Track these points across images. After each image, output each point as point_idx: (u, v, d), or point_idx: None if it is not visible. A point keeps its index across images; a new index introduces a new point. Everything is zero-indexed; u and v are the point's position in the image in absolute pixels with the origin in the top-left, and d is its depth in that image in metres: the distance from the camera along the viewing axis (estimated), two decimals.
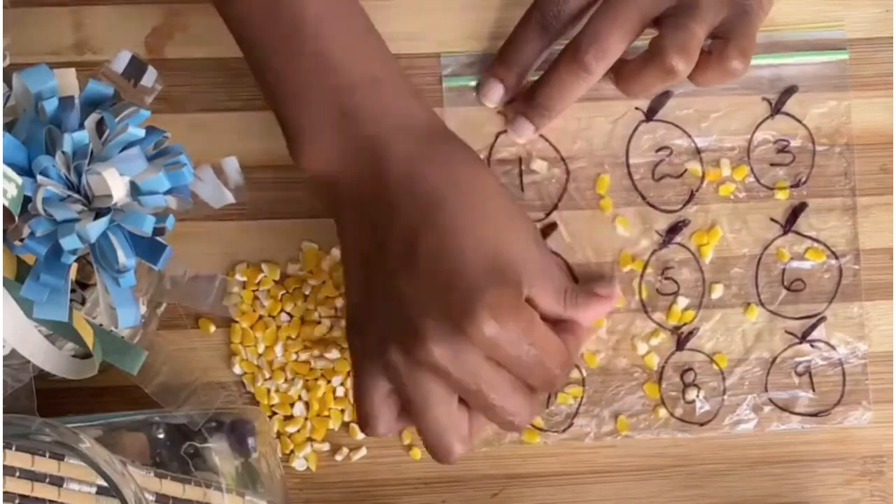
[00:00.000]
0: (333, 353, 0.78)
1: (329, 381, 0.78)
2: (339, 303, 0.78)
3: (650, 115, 0.79)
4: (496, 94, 0.77)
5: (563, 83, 0.75)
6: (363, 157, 0.71)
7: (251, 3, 0.71)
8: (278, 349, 0.78)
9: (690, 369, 0.79)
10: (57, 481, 0.64)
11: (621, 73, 0.75)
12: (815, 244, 0.79)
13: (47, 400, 0.68)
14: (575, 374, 0.78)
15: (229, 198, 0.67)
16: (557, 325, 0.72)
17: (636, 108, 0.79)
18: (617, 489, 0.78)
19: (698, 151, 0.79)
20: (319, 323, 0.78)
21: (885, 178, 0.79)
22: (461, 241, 0.69)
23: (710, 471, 0.79)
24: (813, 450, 0.79)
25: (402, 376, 0.69)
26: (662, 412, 0.78)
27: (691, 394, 0.78)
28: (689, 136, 0.79)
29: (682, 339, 0.79)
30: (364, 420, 0.72)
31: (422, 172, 0.70)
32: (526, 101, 0.77)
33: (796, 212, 0.79)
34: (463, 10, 0.79)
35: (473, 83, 0.79)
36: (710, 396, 0.78)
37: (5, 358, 0.66)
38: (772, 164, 0.79)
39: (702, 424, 0.78)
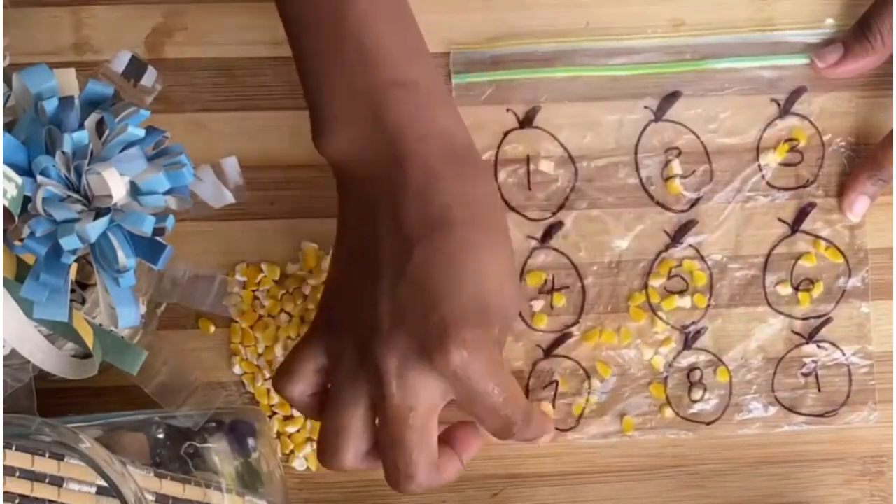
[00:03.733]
0: None
1: None
2: None
3: (659, 115, 0.79)
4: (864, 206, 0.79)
5: None
6: (382, 157, 0.70)
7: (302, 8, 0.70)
8: (278, 349, 0.78)
9: (697, 368, 0.78)
10: (57, 481, 0.64)
11: None
12: (823, 244, 0.79)
13: (47, 400, 0.68)
14: (581, 374, 0.78)
15: (229, 198, 0.67)
16: None
17: (645, 108, 0.79)
18: (617, 489, 0.78)
19: (707, 152, 0.79)
20: None
21: None
22: (457, 269, 0.68)
23: (710, 471, 0.79)
24: (813, 450, 0.79)
25: (347, 364, 0.69)
26: (668, 412, 0.78)
27: (697, 393, 0.78)
28: (698, 136, 0.79)
29: (688, 339, 0.79)
30: (283, 375, 0.70)
31: (436, 188, 0.69)
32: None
33: (804, 211, 0.79)
34: (468, 10, 0.79)
35: (483, 80, 0.79)
36: (717, 396, 0.78)
37: (5, 358, 0.66)
38: (780, 164, 0.79)
39: (708, 423, 0.78)
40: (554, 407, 0.78)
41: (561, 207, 0.79)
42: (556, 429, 0.78)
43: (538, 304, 0.78)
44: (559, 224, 0.79)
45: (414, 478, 0.68)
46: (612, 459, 0.78)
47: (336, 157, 0.71)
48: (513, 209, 0.79)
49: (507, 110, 0.79)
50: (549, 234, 0.79)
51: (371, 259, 0.69)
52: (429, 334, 0.67)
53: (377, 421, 0.69)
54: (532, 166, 0.79)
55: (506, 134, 0.79)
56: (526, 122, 0.79)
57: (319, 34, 0.70)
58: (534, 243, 0.79)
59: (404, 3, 0.72)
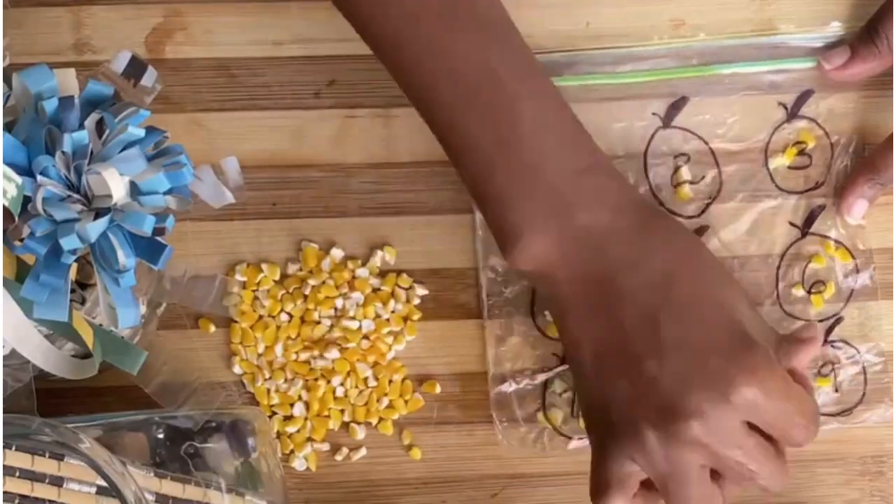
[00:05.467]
0: (333, 353, 0.78)
1: (329, 381, 0.78)
2: (339, 303, 0.78)
3: (667, 121, 0.79)
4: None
5: None
6: (585, 248, 0.69)
7: (468, 111, 0.70)
8: (278, 349, 0.78)
9: None
10: (57, 481, 0.64)
11: None
12: (833, 244, 0.79)
13: (47, 400, 0.68)
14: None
15: (229, 198, 0.67)
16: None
17: (653, 114, 0.79)
18: None
19: (715, 157, 0.79)
20: (319, 323, 0.78)
21: None
22: (700, 312, 0.69)
23: None
24: (813, 450, 0.78)
25: (658, 454, 0.68)
26: None
27: None
28: (706, 141, 0.79)
29: None
30: (603, 491, 0.71)
31: (646, 252, 0.70)
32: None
33: (814, 214, 0.79)
34: None
35: None
36: None
37: (5, 358, 0.66)
38: (789, 168, 0.79)
39: None
40: (573, 414, 0.78)
41: None
42: (573, 437, 0.78)
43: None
44: None
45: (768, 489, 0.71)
46: None
47: (538, 264, 0.70)
48: None
49: None
50: None
51: (618, 353, 0.69)
52: (714, 382, 0.67)
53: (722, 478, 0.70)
54: None
55: None
56: None
57: (493, 148, 0.70)
58: None
59: (565, 106, 0.71)
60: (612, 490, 0.70)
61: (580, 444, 0.78)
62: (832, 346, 0.79)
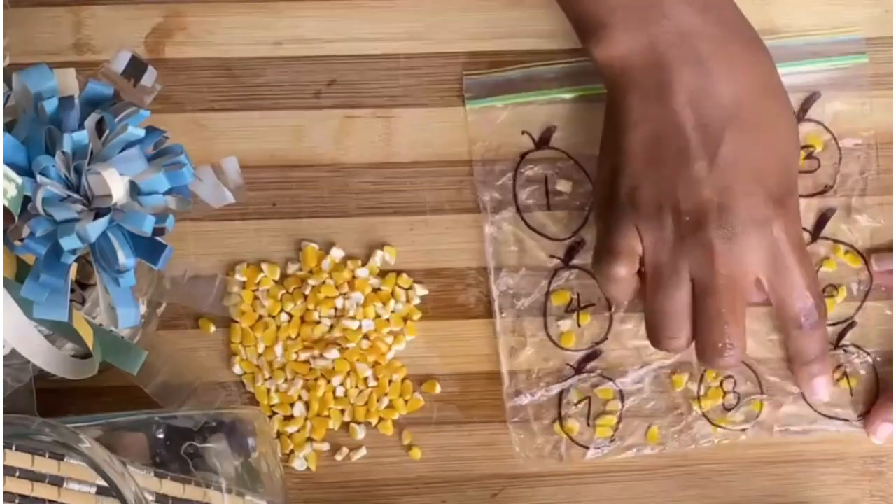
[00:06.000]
0: (333, 353, 0.78)
1: (329, 381, 0.78)
2: (339, 303, 0.78)
3: None
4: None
5: None
6: (669, 39, 0.71)
7: None
8: (278, 349, 0.78)
9: (730, 377, 0.78)
10: (57, 481, 0.64)
11: None
12: (843, 248, 0.79)
13: (47, 400, 0.68)
14: (611, 386, 0.78)
15: (229, 198, 0.67)
16: None
17: None
18: (617, 489, 0.78)
19: None
20: (319, 323, 0.78)
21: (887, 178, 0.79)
22: (766, 144, 0.71)
23: (710, 471, 0.79)
24: (813, 450, 0.79)
25: (666, 244, 0.70)
26: (703, 422, 0.78)
27: (731, 402, 0.78)
28: None
29: None
30: (613, 257, 0.72)
31: (730, 64, 0.71)
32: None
33: (825, 217, 0.79)
34: (465, 10, 0.79)
35: (497, 104, 0.78)
36: (750, 403, 0.78)
37: (5, 358, 0.66)
38: (798, 172, 0.79)
39: (743, 430, 0.78)
40: (589, 424, 0.78)
41: (582, 226, 0.79)
42: (590, 447, 0.78)
43: (565, 324, 0.78)
44: (581, 242, 0.78)
45: (735, 349, 0.71)
46: (612, 459, 0.78)
47: (619, 54, 0.72)
48: (533, 230, 0.78)
49: (523, 133, 0.79)
50: (571, 253, 0.78)
51: (674, 145, 0.71)
52: (754, 208, 0.70)
53: (699, 297, 0.71)
54: (550, 186, 0.79)
55: (523, 156, 0.79)
56: (542, 143, 0.79)
57: None
58: (557, 263, 0.79)
59: None
60: (622, 257, 0.72)
61: (597, 453, 0.78)
62: (844, 351, 0.78)
